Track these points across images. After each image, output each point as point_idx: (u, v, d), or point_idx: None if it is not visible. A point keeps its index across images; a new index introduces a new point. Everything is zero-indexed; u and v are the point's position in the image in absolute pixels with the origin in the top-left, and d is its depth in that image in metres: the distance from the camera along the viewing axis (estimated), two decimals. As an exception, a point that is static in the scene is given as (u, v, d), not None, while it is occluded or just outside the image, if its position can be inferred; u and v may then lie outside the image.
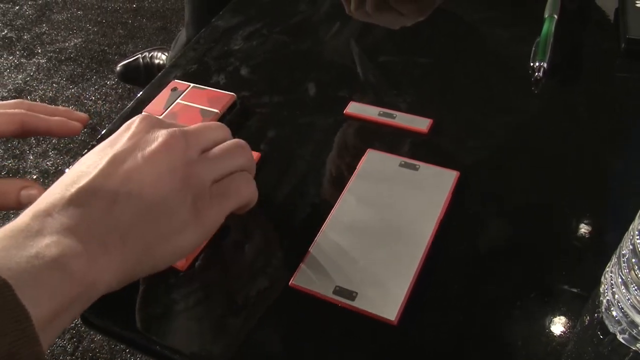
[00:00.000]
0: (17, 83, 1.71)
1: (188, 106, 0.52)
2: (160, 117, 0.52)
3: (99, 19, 1.94)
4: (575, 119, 0.47)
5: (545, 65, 0.50)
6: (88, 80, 1.70)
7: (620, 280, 0.31)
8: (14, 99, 1.59)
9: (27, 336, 0.24)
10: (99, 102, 1.63)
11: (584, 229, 0.39)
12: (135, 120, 0.35)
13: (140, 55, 1.56)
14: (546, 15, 0.56)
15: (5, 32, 1.92)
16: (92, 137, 1.52)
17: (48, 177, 1.44)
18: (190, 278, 0.39)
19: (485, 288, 0.37)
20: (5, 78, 1.73)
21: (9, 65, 1.78)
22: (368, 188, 0.43)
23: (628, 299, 0.31)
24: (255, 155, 0.47)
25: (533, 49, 0.53)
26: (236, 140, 0.38)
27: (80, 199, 0.31)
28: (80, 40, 1.86)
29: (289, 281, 0.38)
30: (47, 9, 2.01)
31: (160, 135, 0.34)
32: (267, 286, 0.38)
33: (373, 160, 0.45)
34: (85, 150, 0.37)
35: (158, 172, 0.33)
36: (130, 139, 0.34)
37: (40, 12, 1.99)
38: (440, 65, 0.54)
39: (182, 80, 0.57)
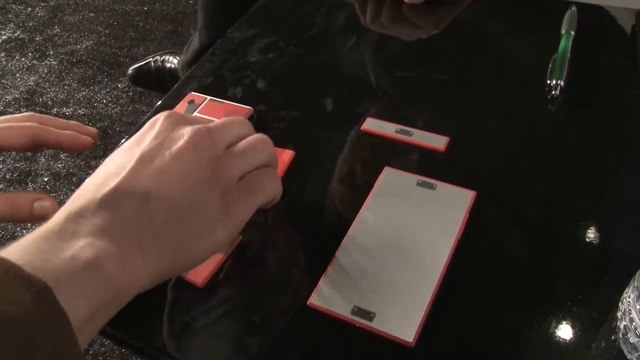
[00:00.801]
0: (29, 85, 1.72)
1: (205, 120, 0.53)
2: None
3: (110, 21, 1.95)
4: (592, 139, 0.47)
5: (562, 83, 0.51)
6: (99, 82, 1.71)
7: (638, 307, 0.31)
8: (26, 100, 1.60)
9: (69, 338, 0.25)
10: (110, 104, 1.64)
11: (602, 251, 0.39)
12: (160, 118, 0.36)
13: (151, 58, 1.57)
14: (563, 32, 0.56)
15: (18, 33, 1.93)
16: (103, 141, 1.53)
17: (59, 180, 1.45)
18: (208, 295, 0.39)
19: (502, 310, 0.37)
20: (17, 80, 1.75)
21: (21, 66, 1.79)
22: (385, 207, 0.43)
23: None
24: (290, 153, 0.48)
25: (550, 65, 0.53)
26: (259, 135, 0.38)
27: (112, 200, 0.31)
28: (91, 42, 1.87)
29: (307, 300, 0.38)
30: (59, 10, 2.02)
31: (186, 132, 0.34)
32: (285, 305, 0.38)
33: (390, 179, 0.45)
34: (98, 156, 0.38)
35: (186, 169, 0.33)
36: (156, 137, 0.34)
37: (52, 14, 2.00)
38: (457, 80, 0.54)
39: (199, 92, 0.57)
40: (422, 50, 0.59)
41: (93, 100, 1.66)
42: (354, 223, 0.42)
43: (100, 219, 0.30)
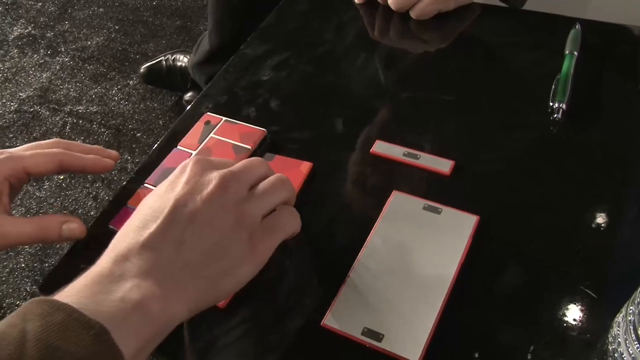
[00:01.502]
0: (42, 82, 1.75)
1: (221, 141, 0.55)
2: (195, 151, 0.55)
3: (119, 16, 1.97)
4: (593, 164, 0.49)
5: (564, 106, 0.53)
6: (111, 79, 1.74)
7: (626, 337, 0.34)
8: (40, 98, 1.63)
9: None
10: (122, 102, 1.67)
11: (601, 275, 0.42)
12: (189, 164, 0.39)
13: (163, 57, 1.59)
14: (567, 52, 0.58)
15: (29, 29, 1.95)
16: (115, 138, 1.56)
17: (74, 177, 1.48)
18: (228, 315, 0.43)
19: (502, 332, 0.40)
20: (31, 77, 1.78)
21: (33, 63, 1.82)
22: (394, 231, 0.46)
23: (632, 356, 0.33)
24: (307, 165, 0.52)
25: (553, 87, 0.55)
26: (278, 175, 0.42)
27: (152, 243, 0.35)
28: (102, 38, 1.89)
29: (320, 321, 0.41)
30: (68, 5, 2.04)
31: (214, 178, 0.38)
32: (300, 326, 0.41)
33: (398, 203, 0.48)
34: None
35: (215, 213, 0.37)
36: (187, 182, 0.38)
37: (62, 9, 2.02)
38: (462, 102, 0.56)
39: (214, 111, 0.60)
40: (428, 71, 0.61)
41: (105, 97, 1.69)
42: (364, 246, 0.45)
43: (143, 260, 0.34)
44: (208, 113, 0.59)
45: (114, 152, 0.52)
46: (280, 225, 0.40)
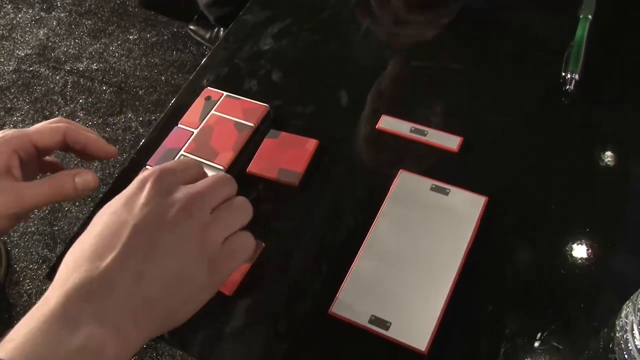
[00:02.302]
0: (40, 39, 1.71)
1: (223, 118, 0.54)
2: (197, 130, 0.54)
3: (115, -34, 1.90)
4: (607, 139, 0.48)
5: (576, 76, 0.50)
6: (110, 35, 1.70)
7: (635, 330, 0.34)
8: (39, 56, 1.59)
9: None
10: (123, 58, 1.63)
11: (610, 260, 0.41)
12: (149, 179, 0.36)
13: None
14: (580, 16, 0.55)
15: (23, -18, 1.89)
16: (117, 97, 1.54)
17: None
18: (236, 304, 0.43)
19: (509, 319, 0.39)
20: (27, 34, 1.74)
21: (29, 19, 1.77)
22: (400, 212, 0.45)
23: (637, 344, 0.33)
24: (314, 142, 0.50)
25: (565, 55, 0.52)
26: (241, 199, 0.39)
27: (110, 277, 0.32)
28: (98, -10, 1.83)
29: (327, 308, 0.41)
30: (62, -45, 1.97)
31: (177, 200, 0.35)
32: (307, 313, 0.42)
33: (405, 182, 0.47)
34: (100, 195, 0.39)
35: (178, 240, 0.34)
36: (147, 204, 0.35)
37: (55, -40, 1.95)
38: (471, 72, 0.54)
39: (214, 85, 0.58)
40: (435, 39, 0.59)
41: (105, 54, 1.65)
42: (371, 230, 0.44)
43: (99, 300, 0.32)
44: (208, 88, 0.57)
45: (112, 148, 0.50)
46: (240, 250, 0.37)
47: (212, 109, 0.55)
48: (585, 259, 0.41)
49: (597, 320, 0.38)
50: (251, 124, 0.53)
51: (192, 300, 0.35)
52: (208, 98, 0.56)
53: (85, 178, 0.44)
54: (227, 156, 0.51)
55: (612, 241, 0.42)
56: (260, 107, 0.54)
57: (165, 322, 0.35)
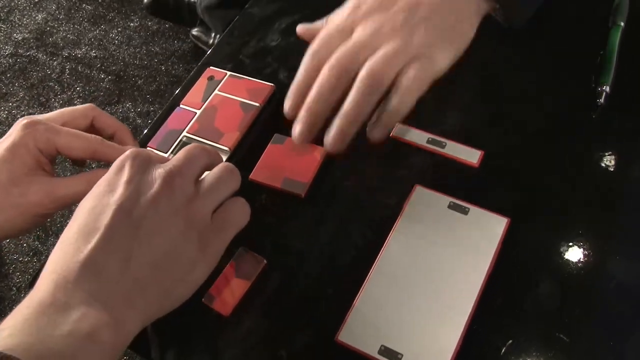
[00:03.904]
0: (38, 23, 1.67)
1: (227, 98, 0.51)
2: (200, 110, 0.51)
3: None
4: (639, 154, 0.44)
5: (608, 89, 0.47)
6: (110, 21, 1.65)
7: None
8: (36, 40, 1.57)
9: None
10: (123, 45, 1.59)
11: (636, 294, 0.38)
12: (127, 161, 0.35)
13: None
14: (611, 24, 0.51)
15: (22, -36, 1.85)
16: (116, 86, 1.50)
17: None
18: (234, 325, 0.39)
19: (533, 354, 0.36)
20: (25, 17, 1.69)
21: (28, 2, 1.73)
22: (415, 232, 0.41)
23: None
24: (321, 150, 0.45)
25: (598, 62, 0.49)
26: (224, 165, 0.38)
27: (96, 260, 0.31)
28: (100, -25, 1.79)
29: (334, 335, 0.38)
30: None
31: (158, 176, 0.35)
32: (312, 339, 0.38)
33: (421, 199, 0.43)
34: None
35: (164, 217, 0.34)
36: (128, 183, 0.34)
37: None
38: (494, 83, 0.51)
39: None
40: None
41: (104, 40, 1.61)
42: (382, 250, 0.41)
43: (88, 283, 0.31)
44: (211, 67, 0.54)
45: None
46: (232, 220, 0.37)
47: (215, 89, 0.52)
48: (617, 291, 0.38)
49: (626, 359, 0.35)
50: (257, 104, 0.50)
51: (186, 278, 0.34)
52: (211, 78, 0.53)
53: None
54: (233, 136, 0.48)
55: (649, 275, 0.38)
56: (265, 86, 0.51)
57: (161, 303, 0.34)
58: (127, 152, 0.36)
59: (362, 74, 0.40)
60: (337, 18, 0.44)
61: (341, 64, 0.40)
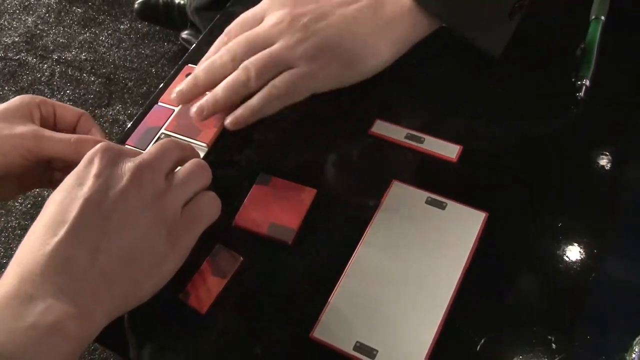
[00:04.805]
0: (28, 26, 1.66)
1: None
2: (177, 108, 0.51)
3: (108, -47, 1.85)
4: (619, 151, 0.44)
5: (587, 83, 0.47)
6: (100, 24, 1.65)
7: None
8: (26, 44, 1.56)
9: None
10: (113, 48, 1.59)
11: (620, 286, 0.37)
12: (97, 154, 0.35)
13: None
14: (592, 17, 0.51)
15: (12, -33, 1.84)
16: (106, 88, 1.50)
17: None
18: (210, 322, 0.39)
19: (510, 347, 0.36)
20: (15, 20, 1.68)
21: (17, 5, 1.72)
22: (392, 227, 0.41)
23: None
24: (311, 192, 0.43)
25: (577, 55, 0.49)
26: (195, 161, 0.39)
27: (63, 252, 0.31)
28: (90, -23, 1.78)
29: (309, 332, 0.37)
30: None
31: (128, 169, 0.35)
32: (287, 336, 0.38)
33: (398, 194, 0.43)
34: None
35: (132, 212, 0.34)
36: (98, 176, 0.34)
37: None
38: (473, 76, 0.50)
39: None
40: (435, 38, 0.55)
41: (95, 43, 1.60)
42: (359, 246, 0.40)
43: (54, 276, 0.30)
44: (189, 65, 0.54)
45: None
46: (202, 214, 0.37)
47: None
48: (596, 285, 0.38)
49: (605, 354, 0.35)
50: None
51: (155, 272, 0.34)
52: (189, 75, 0.53)
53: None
54: (210, 133, 0.48)
55: (627, 267, 0.38)
56: None
57: (130, 297, 0.33)
58: (98, 146, 0.36)
59: (244, 64, 0.44)
60: (262, 3, 0.48)
61: (236, 50, 0.45)
